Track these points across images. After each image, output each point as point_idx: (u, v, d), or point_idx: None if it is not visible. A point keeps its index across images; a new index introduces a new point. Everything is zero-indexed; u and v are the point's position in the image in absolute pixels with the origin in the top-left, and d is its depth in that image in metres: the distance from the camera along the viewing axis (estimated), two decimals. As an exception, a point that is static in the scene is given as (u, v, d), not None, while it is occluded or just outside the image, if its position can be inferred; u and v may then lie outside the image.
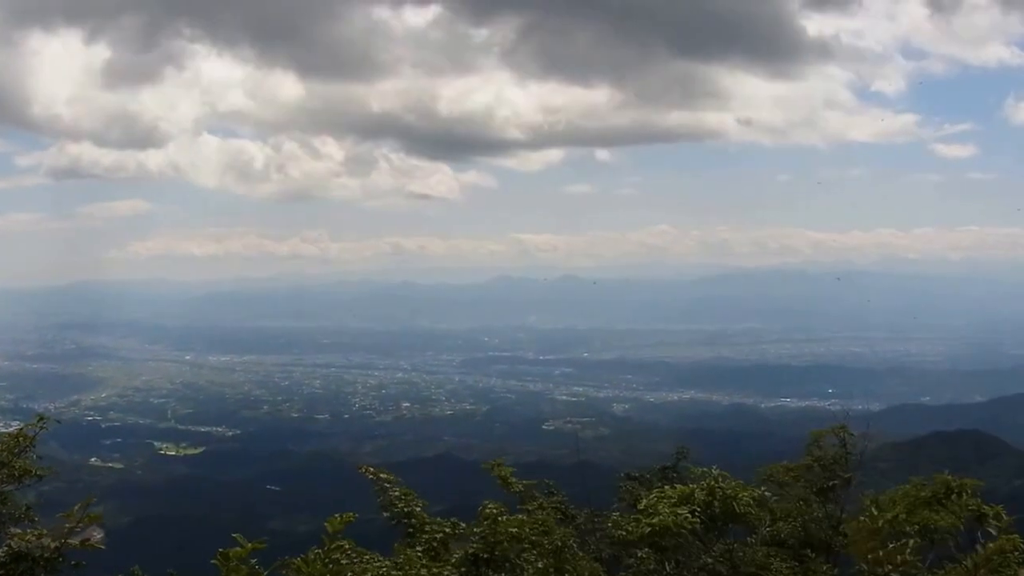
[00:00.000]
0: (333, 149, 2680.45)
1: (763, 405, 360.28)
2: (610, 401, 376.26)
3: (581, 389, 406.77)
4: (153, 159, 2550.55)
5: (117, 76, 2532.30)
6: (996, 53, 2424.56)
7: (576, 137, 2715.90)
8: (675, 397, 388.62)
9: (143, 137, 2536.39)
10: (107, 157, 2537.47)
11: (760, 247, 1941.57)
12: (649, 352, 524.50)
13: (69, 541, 19.99)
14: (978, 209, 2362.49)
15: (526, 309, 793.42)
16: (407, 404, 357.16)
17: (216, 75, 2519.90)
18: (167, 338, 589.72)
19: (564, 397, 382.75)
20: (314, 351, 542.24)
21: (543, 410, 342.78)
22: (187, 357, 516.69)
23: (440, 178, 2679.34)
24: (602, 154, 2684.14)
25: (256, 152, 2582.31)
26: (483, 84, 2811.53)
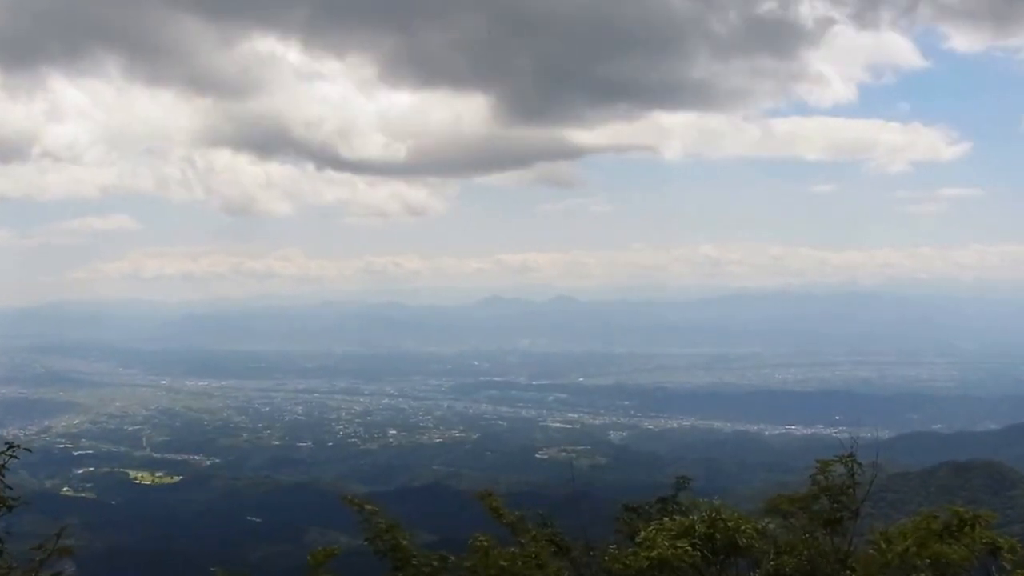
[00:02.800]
0: (258, 167, 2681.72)
1: (767, 433, 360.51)
2: (606, 428, 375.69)
3: (576, 416, 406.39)
4: (87, 177, 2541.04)
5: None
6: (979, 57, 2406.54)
7: (503, 155, 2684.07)
8: (675, 424, 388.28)
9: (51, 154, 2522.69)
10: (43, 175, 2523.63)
11: (758, 267, 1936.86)
12: (647, 377, 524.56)
13: (39, 574, 19.93)
14: (981, 226, 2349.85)
15: (518, 332, 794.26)
16: (393, 431, 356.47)
17: (115, 95, 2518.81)
18: (142, 362, 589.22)
19: (558, 424, 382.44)
20: (296, 376, 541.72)
21: (536, 438, 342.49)
22: (163, 382, 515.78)
23: (391, 196, 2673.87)
24: (544, 169, 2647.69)
25: (203, 169, 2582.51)
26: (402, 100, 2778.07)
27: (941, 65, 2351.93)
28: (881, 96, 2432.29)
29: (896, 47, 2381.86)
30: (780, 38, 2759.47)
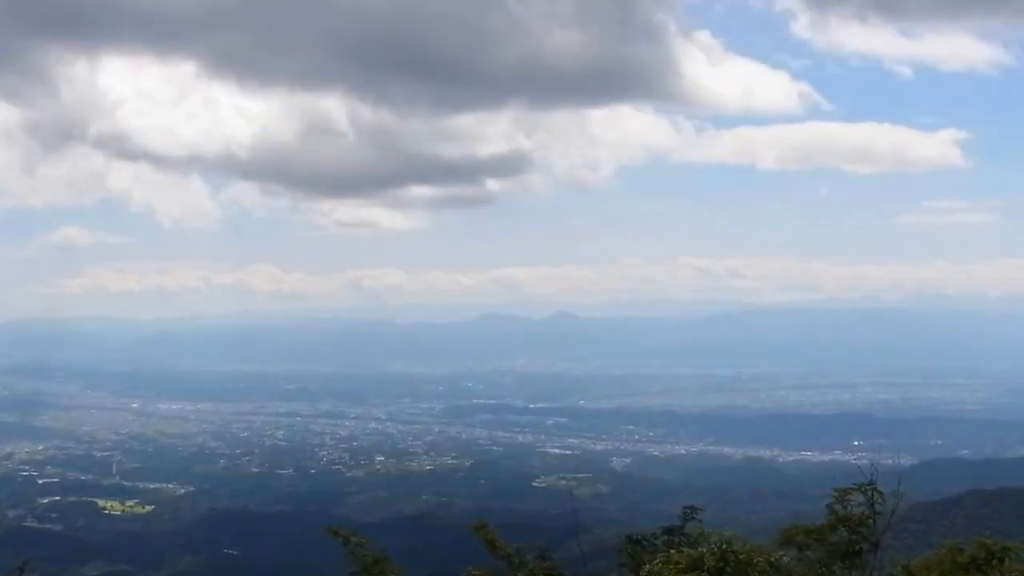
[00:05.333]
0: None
1: (781, 459, 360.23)
2: (609, 455, 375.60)
3: (576, 441, 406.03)
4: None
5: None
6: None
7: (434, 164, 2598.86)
8: (682, 450, 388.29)
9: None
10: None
11: (772, 282, 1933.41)
12: (653, 399, 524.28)
13: (2, 612, 20.00)
14: (1009, 239, 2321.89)
15: (514, 351, 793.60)
16: (381, 458, 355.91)
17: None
18: (111, 383, 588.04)
19: (557, 450, 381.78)
20: (277, 398, 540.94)
21: (534, 465, 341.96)
22: (134, 405, 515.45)
23: (338, 208, 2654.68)
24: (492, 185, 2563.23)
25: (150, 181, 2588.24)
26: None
27: (949, 68, 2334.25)
28: (888, 99, 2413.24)
29: (905, 43, 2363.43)
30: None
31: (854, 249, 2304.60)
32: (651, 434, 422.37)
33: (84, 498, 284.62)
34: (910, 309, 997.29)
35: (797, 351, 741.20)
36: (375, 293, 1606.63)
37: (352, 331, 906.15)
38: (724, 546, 23.26)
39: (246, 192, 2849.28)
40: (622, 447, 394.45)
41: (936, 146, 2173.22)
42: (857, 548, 27.06)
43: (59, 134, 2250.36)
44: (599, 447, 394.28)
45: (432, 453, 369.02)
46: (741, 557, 22.99)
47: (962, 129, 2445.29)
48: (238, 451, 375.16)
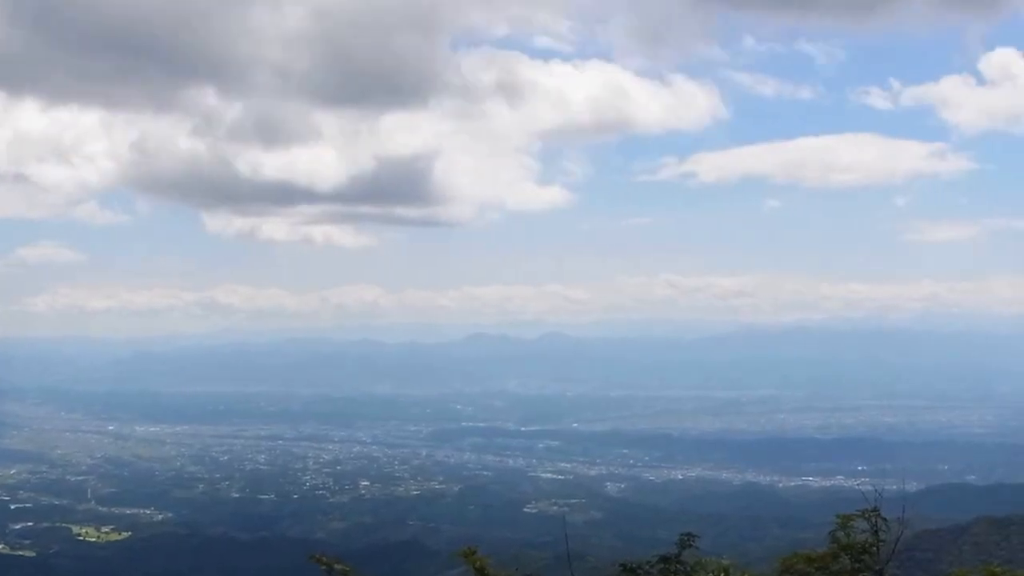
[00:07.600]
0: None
1: (781, 484, 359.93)
2: (603, 480, 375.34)
3: (569, 465, 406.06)
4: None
5: None
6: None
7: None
8: (679, 475, 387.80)
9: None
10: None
11: (773, 300, 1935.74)
12: (649, 422, 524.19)
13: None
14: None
15: (505, 371, 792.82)
16: (366, 483, 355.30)
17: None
18: (86, 405, 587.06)
19: (549, 475, 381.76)
20: (258, 421, 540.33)
21: (525, 490, 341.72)
22: (110, 427, 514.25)
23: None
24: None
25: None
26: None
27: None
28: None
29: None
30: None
31: (848, 266, 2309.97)
32: (647, 458, 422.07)
33: (58, 524, 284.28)
34: (915, 329, 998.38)
35: (798, 372, 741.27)
36: (351, 311, 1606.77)
37: (336, 351, 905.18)
38: (722, 574, 23.29)
39: (195, 211, 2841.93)
40: (617, 472, 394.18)
41: (921, 159, 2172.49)
42: (860, 577, 27.04)
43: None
44: (593, 472, 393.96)
45: (419, 478, 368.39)
46: (740, 586, 23.01)
47: (951, 143, 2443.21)
48: (218, 475, 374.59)
